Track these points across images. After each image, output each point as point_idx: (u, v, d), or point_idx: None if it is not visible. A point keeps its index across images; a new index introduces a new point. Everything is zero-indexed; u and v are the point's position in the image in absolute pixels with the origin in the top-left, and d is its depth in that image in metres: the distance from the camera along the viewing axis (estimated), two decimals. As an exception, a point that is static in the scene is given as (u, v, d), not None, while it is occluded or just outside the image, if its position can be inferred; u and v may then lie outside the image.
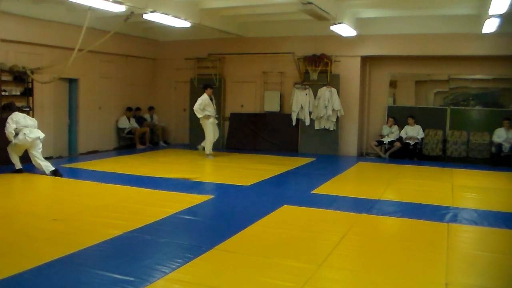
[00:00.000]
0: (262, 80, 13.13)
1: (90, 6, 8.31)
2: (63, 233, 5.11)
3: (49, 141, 10.81)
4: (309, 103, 12.32)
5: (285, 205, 6.57)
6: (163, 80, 14.38)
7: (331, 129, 12.33)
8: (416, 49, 11.62)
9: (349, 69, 12.30)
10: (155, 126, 13.77)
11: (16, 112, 8.49)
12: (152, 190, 7.45)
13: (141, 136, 13.17)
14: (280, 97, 12.95)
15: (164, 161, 10.83)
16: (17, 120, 8.32)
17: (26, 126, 8.36)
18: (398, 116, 12.21)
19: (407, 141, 11.78)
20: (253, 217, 5.85)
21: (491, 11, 8.15)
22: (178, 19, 9.74)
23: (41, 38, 10.20)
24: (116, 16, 9.62)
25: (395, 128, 12.09)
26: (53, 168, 8.46)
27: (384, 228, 5.88)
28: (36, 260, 4.20)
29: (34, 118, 8.98)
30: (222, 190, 7.71)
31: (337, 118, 12.23)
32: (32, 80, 10.00)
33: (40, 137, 8.49)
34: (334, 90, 12.06)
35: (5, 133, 8.29)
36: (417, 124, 11.93)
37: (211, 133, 11.14)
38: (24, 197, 6.90)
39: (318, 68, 12.38)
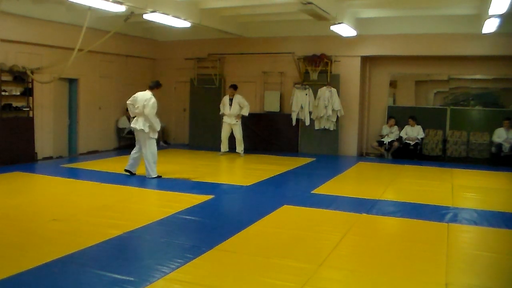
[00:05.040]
0: (262, 80, 13.13)
1: (90, 6, 8.30)
2: (63, 233, 5.11)
3: (49, 141, 10.84)
4: (309, 103, 12.31)
5: (285, 205, 6.57)
6: (163, 80, 14.10)
7: (331, 129, 12.32)
8: (416, 49, 11.61)
9: (349, 69, 12.29)
10: (155, 126, 13.74)
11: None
12: (152, 190, 7.45)
13: (141, 136, 13.15)
14: (280, 97, 12.94)
15: (164, 161, 10.80)
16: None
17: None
18: (398, 116, 12.20)
19: (407, 141, 11.78)
20: (253, 217, 5.86)
21: (491, 11, 8.14)
22: (178, 19, 9.73)
23: (41, 38, 10.19)
24: (116, 16, 9.61)
25: (395, 128, 12.09)
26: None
27: (384, 228, 5.88)
28: (36, 260, 4.20)
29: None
30: (222, 190, 7.71)
31: (337, 118, 12.22)
32: (32, 80, 9.99)
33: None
34: (334, 90, 12.05)
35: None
36: (417, 125, 11.93)
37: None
38: (24, 197, 6.89)
39: (318, 68, 12.37)
